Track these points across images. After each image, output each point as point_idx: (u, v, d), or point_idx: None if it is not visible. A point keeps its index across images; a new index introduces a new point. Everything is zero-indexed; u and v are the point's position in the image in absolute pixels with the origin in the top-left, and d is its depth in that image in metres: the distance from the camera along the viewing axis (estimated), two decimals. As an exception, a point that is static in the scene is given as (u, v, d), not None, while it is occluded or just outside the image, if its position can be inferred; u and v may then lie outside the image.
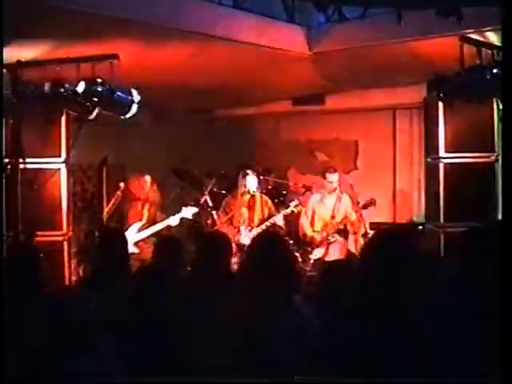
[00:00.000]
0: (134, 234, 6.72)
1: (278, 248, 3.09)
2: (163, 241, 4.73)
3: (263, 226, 6.97)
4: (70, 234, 6.02)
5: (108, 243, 4.28)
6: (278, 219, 7.10)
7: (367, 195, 7.27)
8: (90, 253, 6.13)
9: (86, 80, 5.19)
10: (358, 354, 2.71)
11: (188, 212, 7.05)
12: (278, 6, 6.64)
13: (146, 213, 6.90)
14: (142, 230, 6.81)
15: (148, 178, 6.92)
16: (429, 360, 2.69)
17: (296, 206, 7.24)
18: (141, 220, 6.87)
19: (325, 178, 7.19)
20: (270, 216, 7.10)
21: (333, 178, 7.13)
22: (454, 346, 2.75)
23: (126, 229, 6.66)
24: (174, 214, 7.00)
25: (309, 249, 7.11)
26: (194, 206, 7.40)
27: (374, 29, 5.94)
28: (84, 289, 3.38)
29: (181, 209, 7.08)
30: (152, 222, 6.89)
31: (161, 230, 6.80)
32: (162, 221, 6.90)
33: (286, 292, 2.93)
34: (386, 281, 2.76)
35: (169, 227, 6.88)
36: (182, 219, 7.05)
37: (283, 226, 7.20)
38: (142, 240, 6.73)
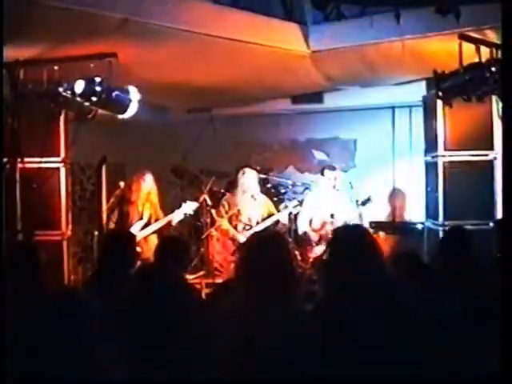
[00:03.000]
0: (135, 233, 6.69)
1: (276, 246, 3.08)
2: (169, 241, 4.68)
3: (265, 224, 6.96)
4: (69, 233, 6.02)
5: (118, 244, 4.27)
6: (281, 217, 7.09)
7: (366, 194, 7.27)
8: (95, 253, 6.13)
9: (84, 79, 5.19)
10: (359, 352, 2.71)
11: (189, 207, 7.00)
12: (276, 4, 6.63)
13: (146, 212, 6.86)
14: (143, 229, 6.78)
15: (149, 178, 6.88)
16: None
17: (295, 206, 7.24)
18: (141, 219, 6.83)
19: (323, 175, 7.20)
20: (270, 215, 7.10)
21: (331, 175, 7.14)
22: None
23: (127, 228, 6.63)
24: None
25: (308, 247, 7.10)
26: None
27: (373, 27, 5.93)
28: (86, 289, 3.38)
29: (180, 207, 7.05)
30: (152, 221, 6.86)
31: (162, 226, 6.77)
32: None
33: (286, 291, 2.92)
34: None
35: (170, 223, 6.83)
36: (184, 215, 7.01)
37: (286, 223, 7.20)
38: (144, 238, 6.69)
